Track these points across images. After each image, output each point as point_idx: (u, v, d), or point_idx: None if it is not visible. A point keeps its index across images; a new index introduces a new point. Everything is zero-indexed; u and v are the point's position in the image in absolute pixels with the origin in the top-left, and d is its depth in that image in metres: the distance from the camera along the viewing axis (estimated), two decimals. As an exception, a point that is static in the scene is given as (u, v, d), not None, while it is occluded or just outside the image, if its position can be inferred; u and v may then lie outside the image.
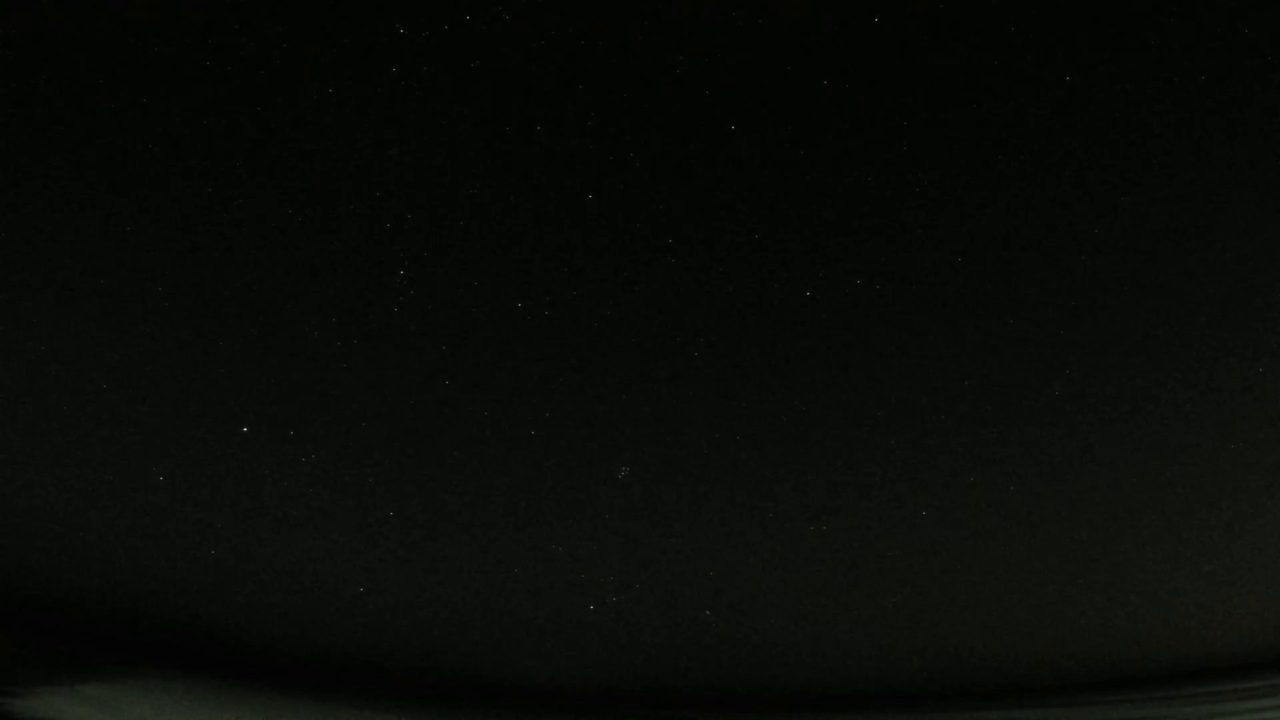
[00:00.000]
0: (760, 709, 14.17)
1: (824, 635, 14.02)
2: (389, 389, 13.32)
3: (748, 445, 13.71)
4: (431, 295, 13.01)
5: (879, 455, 13.66)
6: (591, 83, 12.26)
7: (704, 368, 13.46)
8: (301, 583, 13.56)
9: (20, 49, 11.91)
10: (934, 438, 13.53)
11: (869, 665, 14.00)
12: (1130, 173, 12.63)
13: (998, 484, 13.59)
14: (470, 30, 11.85)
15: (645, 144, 12.60)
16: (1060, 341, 13.14)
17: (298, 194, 12.61)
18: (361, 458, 13.42)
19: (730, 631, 13.90)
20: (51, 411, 12.94)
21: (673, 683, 14.28)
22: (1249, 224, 12.56)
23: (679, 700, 14.36)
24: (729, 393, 13.59)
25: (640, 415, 13.61)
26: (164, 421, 13.10)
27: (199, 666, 13.28)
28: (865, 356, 13.42)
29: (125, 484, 13.14)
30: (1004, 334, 13.16)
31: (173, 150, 12.33)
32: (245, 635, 13.68)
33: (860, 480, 13.77)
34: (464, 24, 11.80)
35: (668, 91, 12.37)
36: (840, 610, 13.92)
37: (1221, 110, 12.23)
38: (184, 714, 10.37)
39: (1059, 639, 13.62)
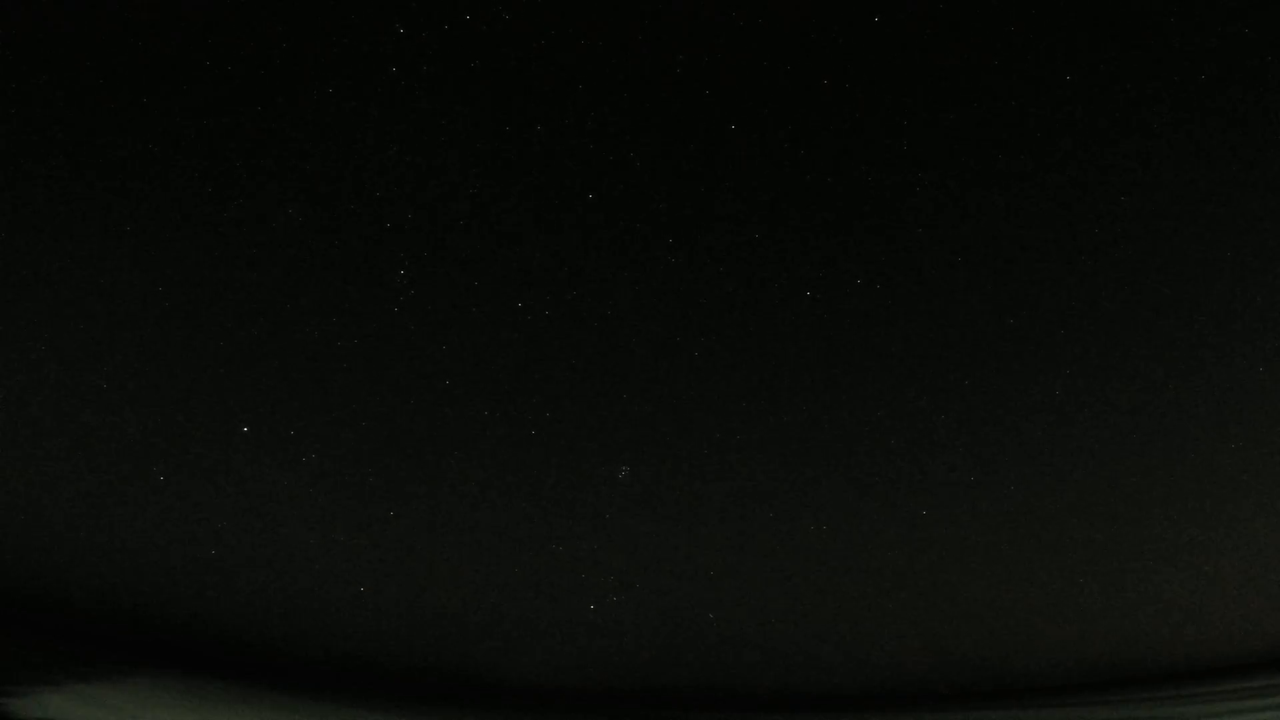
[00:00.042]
0: (760, 709, 14.16)
1: (824, 635, 14.02)
2: (389, 389, 13.33)
3: (748, 445, 13.73)
4: (431, 295, 13.03)
5: (879, 455, 13.68)
6: (591, 83, 12.27)
7: (704, 368, 13.47)
8: (301, 583, 13.57)
9: (20, 49, 11.93)
10: (934, 438, 13.55)
11: (869, 665, 14.00)
12: (1130, 173, 12.65)
13: (998, 484, 13.60)
14: (470, 30, 11.86)
15: (645, 144, 12.62)
16: (1060, 341, 13.16)
17: (298, 194, 12.63)
18: (361, 458, 13.43)
19: (730, 631, 13.90)
20: (51, 411, 12.95)
21: (673, 683, 14.28)
22: (1249, 224, 12.58)
23: (679, 700, 14.35)
24: (729, 393, 13.61)
25: (640, 415, 13.63)
26: (164, 421, 13.11)
27: (199, 666, 13.25)
28: (865, 356, 13.43)
29: (125, 484, 13.15)
30: (1004, 334, 13.18)
31: (173, 150, 12.36)
32: (245, 635, 13.69)
33: (860, 480, 13.79)
34: (464, 24, 11.81)
35: (668, 91, 12.38)
36: (840, 610, 13.92)
37: (1221, 110, 12.25)
38: (184, 714, 10.36)
39: (1059, 639, 13.63)
